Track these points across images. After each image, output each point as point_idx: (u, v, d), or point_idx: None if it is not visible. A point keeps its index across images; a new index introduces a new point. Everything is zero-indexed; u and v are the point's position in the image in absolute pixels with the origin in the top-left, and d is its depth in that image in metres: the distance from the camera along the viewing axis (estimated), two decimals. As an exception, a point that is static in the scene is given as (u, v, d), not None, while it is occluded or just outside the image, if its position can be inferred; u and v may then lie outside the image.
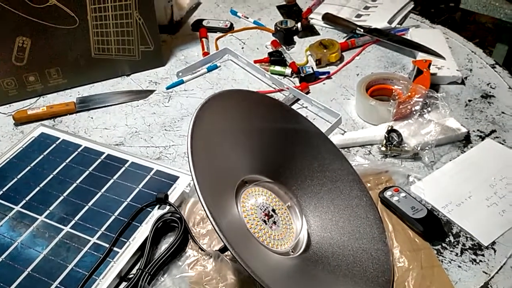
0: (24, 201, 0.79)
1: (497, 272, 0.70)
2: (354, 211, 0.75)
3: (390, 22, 1.20)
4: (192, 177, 0.54)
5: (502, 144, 0.90)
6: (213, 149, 0.63)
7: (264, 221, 0.69)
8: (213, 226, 0.52)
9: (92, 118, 0.99)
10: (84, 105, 1.00)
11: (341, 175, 0.78)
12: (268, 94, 1.02)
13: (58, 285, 0.68)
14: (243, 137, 0.70)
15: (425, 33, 1.17)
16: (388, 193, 0.79)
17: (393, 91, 0.93)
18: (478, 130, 0.93)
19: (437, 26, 1.22)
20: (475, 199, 0.80)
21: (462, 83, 1.04)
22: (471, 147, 0.90)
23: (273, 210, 0.71)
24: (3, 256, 0.71)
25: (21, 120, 0.97)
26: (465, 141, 0.91)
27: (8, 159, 0.87)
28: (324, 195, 0.76)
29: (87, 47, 1.01)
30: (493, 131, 0.92)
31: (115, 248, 0.72)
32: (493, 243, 0.74)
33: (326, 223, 0.74)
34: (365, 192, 0.78)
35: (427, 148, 0.86)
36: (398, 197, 0.78)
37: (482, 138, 0.91)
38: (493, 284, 0.69)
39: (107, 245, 0.72)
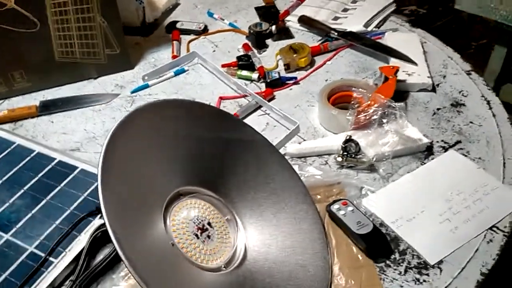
0: (-30, 207, 0.79)
1: (439, 293, 0.67)
2: (297, 225, 0.73)
3: (366, 25, 1.17)
4: (99, 199, 0.53)
5: (466, 156, 0.86)
6: (134, 164, 0.62)
7: (196, 235, 0.67)
8: (119, 254, 0.51)
9: (52, 122, 0.98)
10: (46, 108, 1.00)
11: (288, 187, 0.76)
12: (232, 100, 1.01)
13: (-11, 295, 0.67)
14: (176, 149, 0.68)
15: (401, 37, 1.14)
16: (335, 207, 0.76)
17: (353, 98, 0.90)
18: (442, 140, 0.90)
19: (416, 30, 1.18)
20: (428, 214, 0.77)
21: (433, 90, 1.01)
22: (433, 158, 0.86)
23: (209, 224, 0.70)
24: None
25: (-19, 123, 0.97)
26: (427, 152, 0.87)
27: (-38, 164, 0.87)
28: (268, 208, 0.74)
29: (50, 50, 1.00)
30: (458, 142, 0.89)
31: (50, 258, 0.71)
32: (440, 262, 0.71)
33: (266, 238, 0.72)
34: (311, 205, 0.76)
35: (384, 159, 0.84)
36: (345, 211, 0.75)
37: (445, 150, 0.88)
38: (434, 306, 0.66)
39: (43, 255, 0.71)
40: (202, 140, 0.71)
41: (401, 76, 0.99)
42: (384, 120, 0.87)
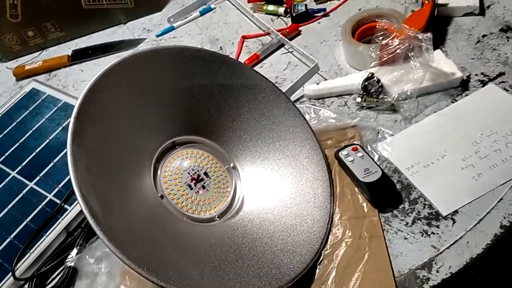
0: (3, 157, 0.85)
1: (448, 248, 0.61)
2: (300, 173, 0.70)
3: None
4: (67, 152, 0.53)
5: (507, 90, 0.75)
6: (118, 115, 0.61)
7: (190, 185, 0.66)
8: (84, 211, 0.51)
9: (82, 71, 1.01)
10: (77, 57, 1.02)
11: (293, 133, 0.72)
12: (256, 39, 0.96)
13: (12, 239, 0.73)
14: (168, 98, 0.66)
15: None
16: (344, 152, 0.71)
17: (376, 30, 0.81)
18: (482, 73, 0.79)
19: None
20: (449, 159, 0.69)
21: (482, 13, 0.87)
22: (467, 95, 0.76)
23: (206, 174, 0.69)
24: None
25: (20, 75, 1.02)
26: (461, 87, 0.77)
27: (0, 116, 0.93)
28: (270, 155, 0.71)
29: (76, -2, 1.01)
30: (500, 74, 0.78)
31: (65, 205, 0.75)
32: (455, 212, 0.64)
33: (265, 187, 0.69)
34: (318, 152, 0.71)
35: (408, 98, 0.76)
36: (354, 157, 0.70)
37: (484, 84, 0.77)
38: (439, 261, 0.61)
39: (59, 202, 0.76)
40: (198, 87, 0.69)
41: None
42: (411, 54, 0.77)
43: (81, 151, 0.55)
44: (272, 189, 0.69)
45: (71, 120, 0.56)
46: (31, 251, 0.71)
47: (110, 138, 0.60)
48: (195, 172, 0.68)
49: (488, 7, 0.88)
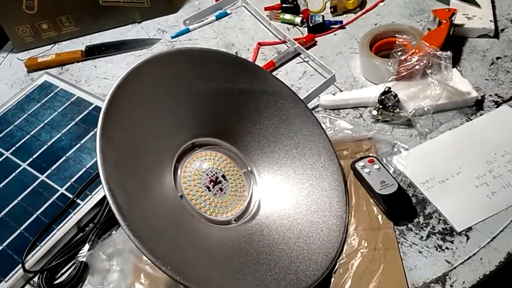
0: (14, 148, 0.84)
1: (461, 263, 0.62)
2: (317, 182, 0.70)
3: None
4: (96, 149, 0.53)
5: (521, 113, 0.77)
6: (143, 114, 0.61)
7: (208, 187, 0.67)
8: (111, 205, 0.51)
9: (95, 67, 1.01)
10: (90, 53, 1.02)
11: (311, 141, 0.73)
12: (271, 46, 0.97)
13: (22, 230, 0.73)
14: (190, 100, 0.67)
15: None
16: (360, 164, 0.72)
17: (395, 46, 0.82)
18: (496, 94, 0.80)
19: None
20: (464, 176, 0.70)
21: (496, 36, 0.89)
22: (481, 115, 0.78)
23: (224, 176, 0.69)
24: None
25: (32, 67, 1.01)
26: (476, 107, 0.79)
27: (11, 106, 0.92)
28: (287, 162, 0.72)
29: (93, -6, 1.01)
30: (514, 97, 0.79)
31: (77, 200, 0.75)
32: (469, 229, 0.65)
33: (281, 193, 0.70)
34: (334, 161, 0.72)
35: (424, 114, 0.77)
36: (370, 169, 0.71)
37: (498, 105, 0.79)
38: (453, 276, 0.61)
39: (71, 196, 0.75)
40: (220, 90, 0.69)
41: (459, 19, 0.89)
42: (429, 71, 0.79)
43: (109, 146, 0.55)
44: (288, 196, 0.69)
45: (101, 115, 0.56)
46: (42, 244, 0.70)
47: (135, 135, 0.60)
48: (214, 174, 0.68)
49: (502, 30, 0.90)
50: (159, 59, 0.64)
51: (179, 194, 0.63)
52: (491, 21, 0.89)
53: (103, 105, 0.57)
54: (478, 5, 0.92)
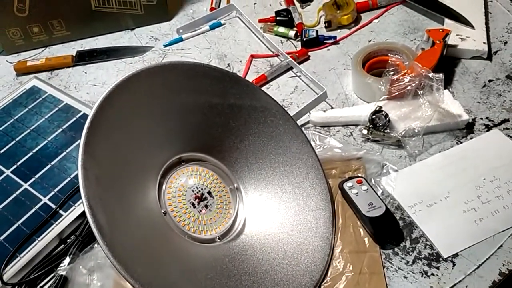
0: (-3, 154, 0.83)
1: (446, 290, 0.62)
2: (304, 201, 0.70)
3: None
4: (77, 164, 0.52)
5: (511, 137, 0.76)
6: (127, 128, 0.60)
7: (193, 204, 0.66)
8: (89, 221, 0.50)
9: (85, 73, 0.99)
10: (81, 59, 1.01)
11: (299, 159, 0.72)
12: (264, 59, 0.96)
13: (2, 241, 0.71)
14: (177, 114, 0.66)
15: (463, -7, 1.01)
16: (348, 184, 0.71)
17: (388, 65, 0.82)
18: (487, 117, 0.80)
19: (484, -14, 1.04)
20: (452, 201, 0.70)
21: (489, 58, 0.89)
22: (472, 138, 0.78)
23: (210, 193, 0.68)
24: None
25: (21, 71, 1.00)
26: (466, 130, 0.79)
27: (-3, 110, 0.91)
28: (275, 181, 0.71)
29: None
30: (505, 121, 0.79)
31: (60, 211, 0.73)
32: (455, 255, 0.65)
33: (268, 212, 0.69)
34: (322, 181, 0.71)
35: (414, 135, 0.76)
36: (358, 190, 0.70)
37: (488, 128, 0.78)
38: (437, 303, 0.61)
39: (54, 207, 0.74)
40: (209, 105, 0.68)
41: (452, 40, 0.89)
42: (420, 92, 0.78)
43: (91, 162, 0.54)
44: (274, 215, 0.69)
45: (84, 129, 0.55)
46: (21, 255, 0.69)
47: (119, 150, 0.59)
48: (199, 191, 0.67)
49: (495, 52, 0.90)
50: (147, 72, 0.63)
51: (162, 211, 0.62)
52: (484, 43, 0.89)
53: (87, 119, 0.55)
54: (472, 26, 0.92)
